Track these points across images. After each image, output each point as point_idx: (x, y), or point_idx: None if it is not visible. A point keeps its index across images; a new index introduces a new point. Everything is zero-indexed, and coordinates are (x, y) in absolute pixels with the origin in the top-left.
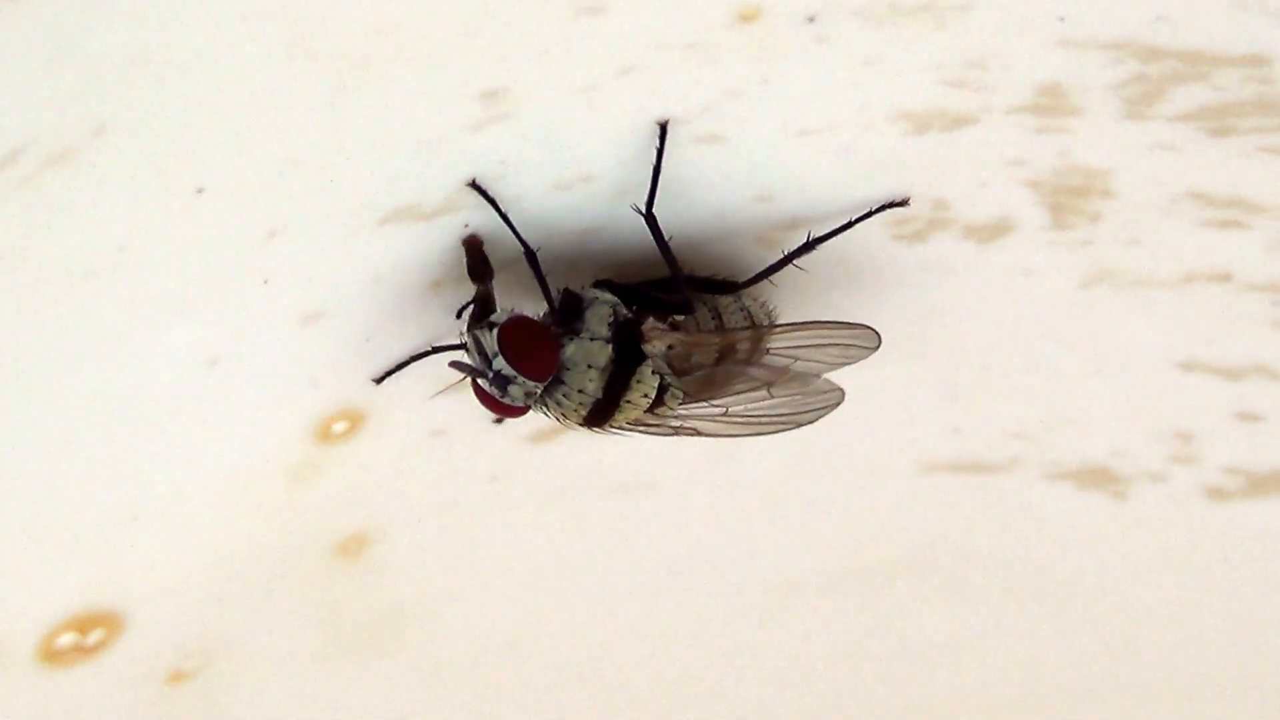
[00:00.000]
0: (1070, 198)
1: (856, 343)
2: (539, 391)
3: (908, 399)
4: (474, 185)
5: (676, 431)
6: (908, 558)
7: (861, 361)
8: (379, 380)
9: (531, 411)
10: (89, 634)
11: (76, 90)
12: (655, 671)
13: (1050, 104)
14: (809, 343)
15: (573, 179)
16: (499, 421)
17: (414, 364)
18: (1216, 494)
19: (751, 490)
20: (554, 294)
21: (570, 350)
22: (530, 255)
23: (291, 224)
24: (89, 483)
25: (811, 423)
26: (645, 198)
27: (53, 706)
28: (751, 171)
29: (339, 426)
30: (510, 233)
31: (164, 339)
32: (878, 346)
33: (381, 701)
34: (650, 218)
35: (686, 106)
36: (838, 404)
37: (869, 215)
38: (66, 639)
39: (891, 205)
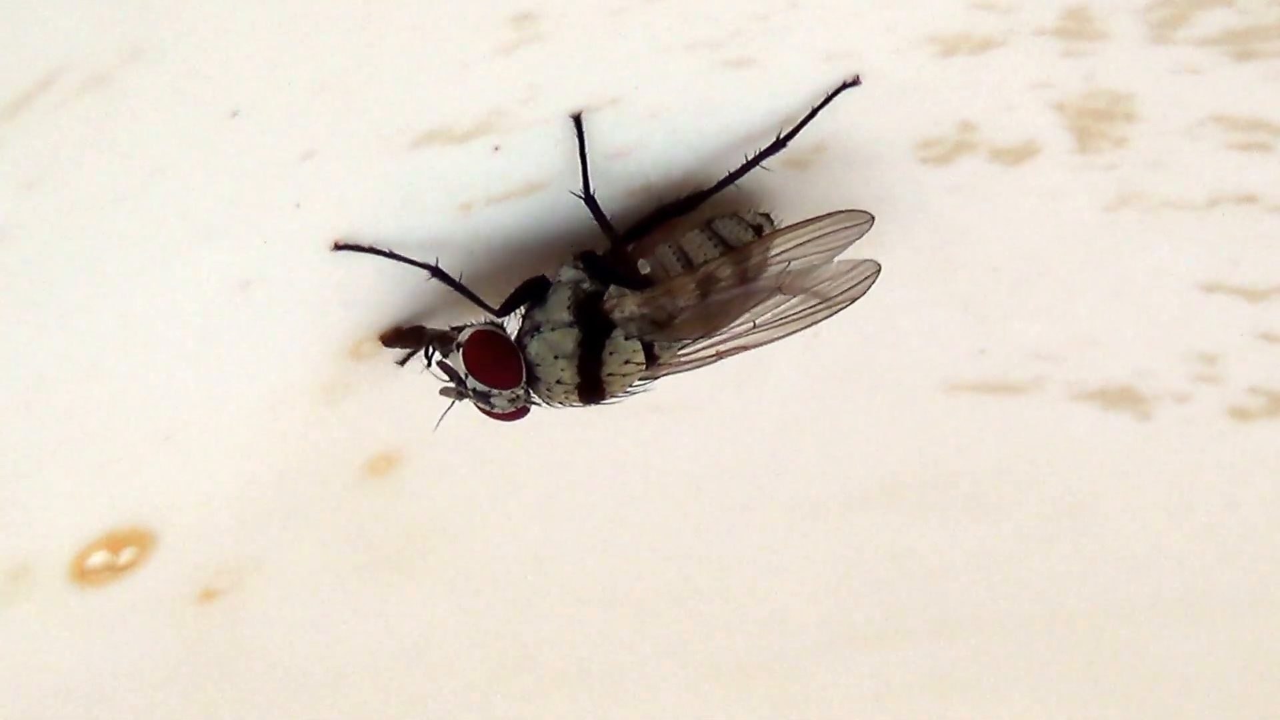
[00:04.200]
0: (1095, 121)
1: (846, 225)
2: (520, 393)
3: (933, 320)
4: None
5: (719, 356)
6: (932, 477)
7: (885, 281)
8: (402, 362)
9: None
10: (120, 553)
11: (111, 14)
12: (681, 589)
13: (1076, 27)
14: (794, 243)
15: (602, 102)
16: None
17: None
18: (1239, 414)
19: (777, 409)
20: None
21: (534, 347)
22: (435, 270)
23: (324, 147)
24: (122, 403)
25: (862, 295)
26: (580, 178)
27: (84, 625)
28: (780, 94)
29: (370, 346)
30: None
31: (197, 261)
32: (870, 222)
33: (410, 618)
34: (590, 200)
35: (715, 30)
36: (876, 272)
37: (827, 102)
38: (98, 558)
39: (846, 86)
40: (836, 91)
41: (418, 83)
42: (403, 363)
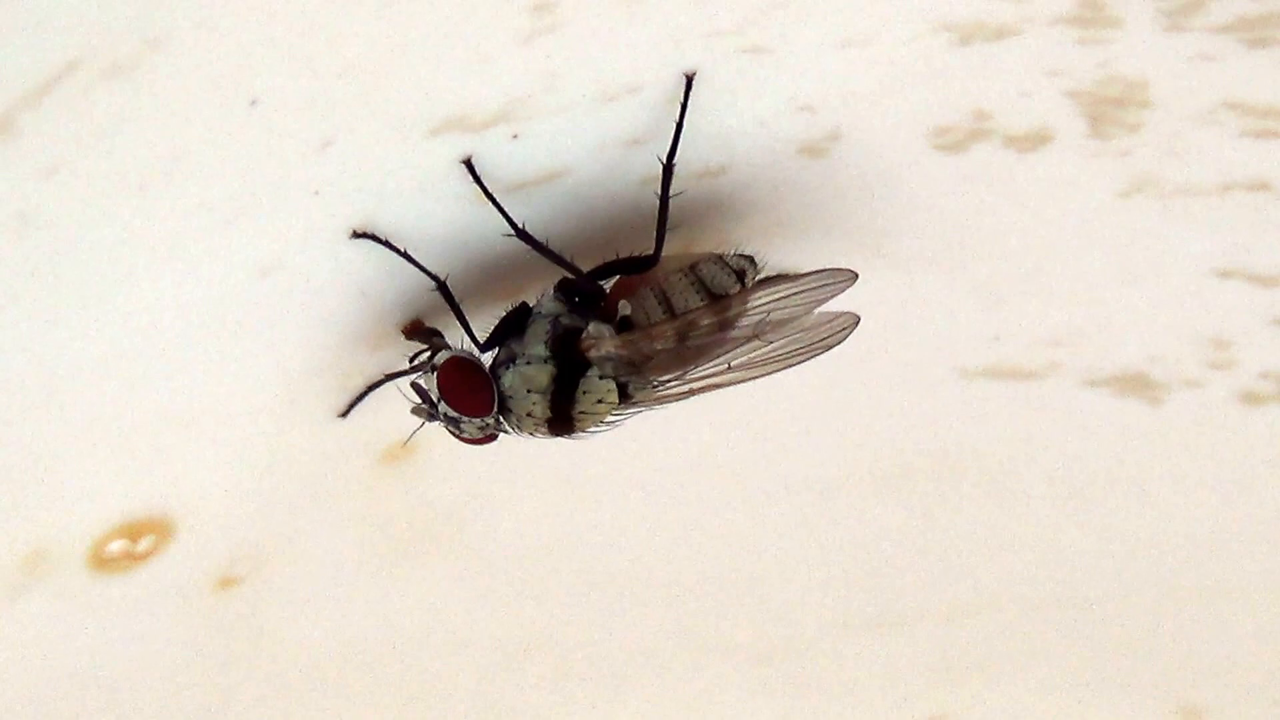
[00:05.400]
0: (1110, 108)
1: (829, 282)
2: (490, 422)
3: (948, 306)
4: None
5: (692, 393)
6: (946, 462)
7: (899, 267)
8: (344, 414)
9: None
10: (139, 541)
11: (132, 3)
12: (695, 573)
13: (1091, 15)
14: (776, 296)
15: (619, 90)
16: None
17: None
18: (1251, 399)
19: (792, 394)
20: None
21: (508, 380)
22: (440, 285)
23: (343, 136)
24: (140, 391)
25: (839, 344)
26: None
27: (103, 612)
28: (795, 82)
29: (388, 333)
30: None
31: (216, 249)
32: (853, 280)
33: (426, 604)
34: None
35: (732, 17)
36: (855, 324)
37: (685, 108)
38: (117, 545)
39: (690, 83)
40: (687, 94)
41: (436, 71)
42: (345, 414)
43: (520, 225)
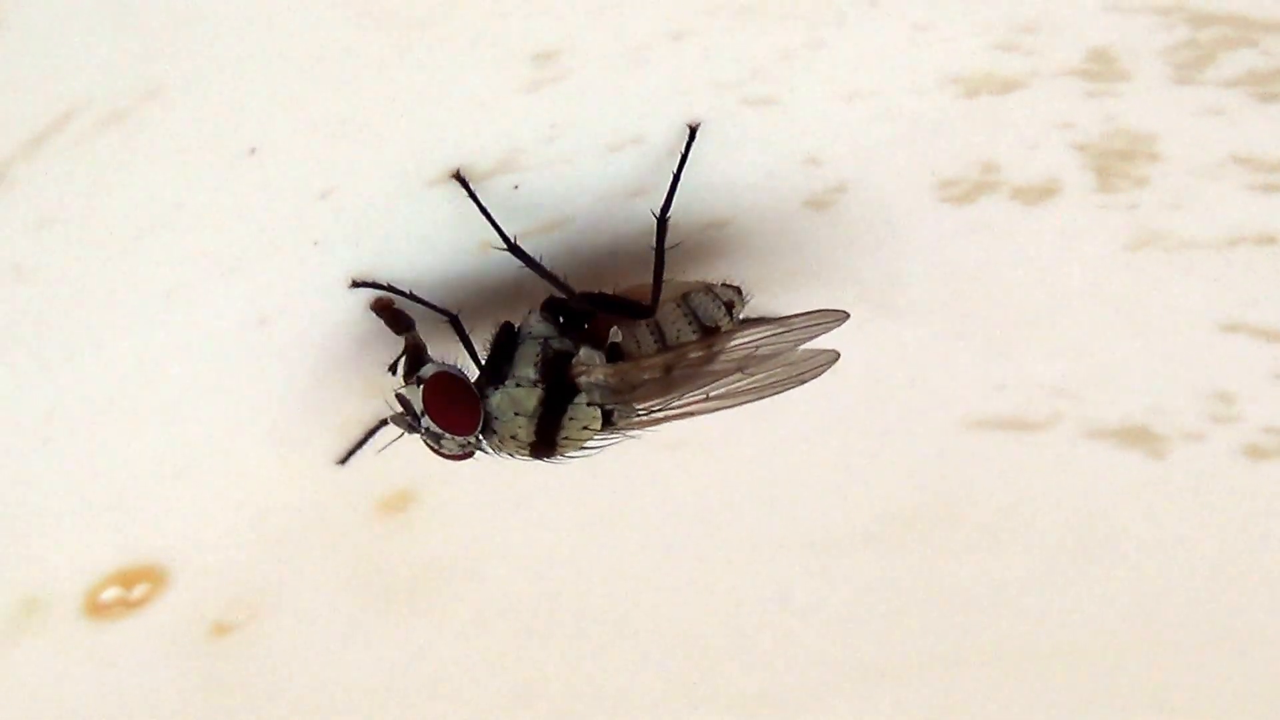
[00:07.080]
0: (1117, 161)
1: (821, 322)
2: (472, 440)
3: (952, 356)
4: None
5: (666, 419)
6: (948, 512)
7: (905, 318)
8: (342, 461)
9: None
10: (133, 588)
11: (130, 52)
12: (696, 625)
13: (1099, 68)
14: (766, 334)
15: (623, 141)
16: None
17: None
18: (1255, 453)
19: (793, 444)
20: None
21: (495, 400)
22: (453, 320)
23: (342, 185)
24: (137, 439)
25: (813, 379)
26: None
27: (97, 659)
28: (801, 134)
29: (384, 384)
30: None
31: (214, 298)
32: (845, 319)
33: (422, 654)
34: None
35: (738, 69)
36: (834, 361)
37: (684, 161)
38: (111, 593)
39: (692, 135)
40: (688, 146)
41: (437, 121)
42: (343, 461)
43: (512, 239)
